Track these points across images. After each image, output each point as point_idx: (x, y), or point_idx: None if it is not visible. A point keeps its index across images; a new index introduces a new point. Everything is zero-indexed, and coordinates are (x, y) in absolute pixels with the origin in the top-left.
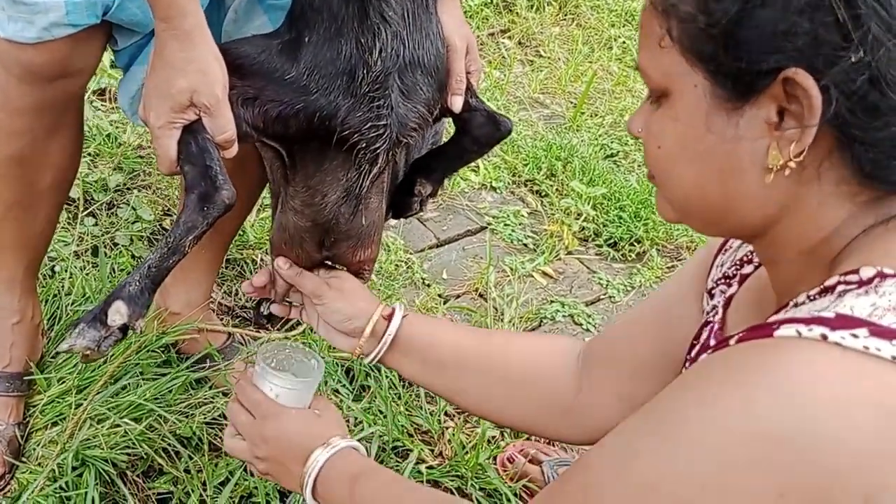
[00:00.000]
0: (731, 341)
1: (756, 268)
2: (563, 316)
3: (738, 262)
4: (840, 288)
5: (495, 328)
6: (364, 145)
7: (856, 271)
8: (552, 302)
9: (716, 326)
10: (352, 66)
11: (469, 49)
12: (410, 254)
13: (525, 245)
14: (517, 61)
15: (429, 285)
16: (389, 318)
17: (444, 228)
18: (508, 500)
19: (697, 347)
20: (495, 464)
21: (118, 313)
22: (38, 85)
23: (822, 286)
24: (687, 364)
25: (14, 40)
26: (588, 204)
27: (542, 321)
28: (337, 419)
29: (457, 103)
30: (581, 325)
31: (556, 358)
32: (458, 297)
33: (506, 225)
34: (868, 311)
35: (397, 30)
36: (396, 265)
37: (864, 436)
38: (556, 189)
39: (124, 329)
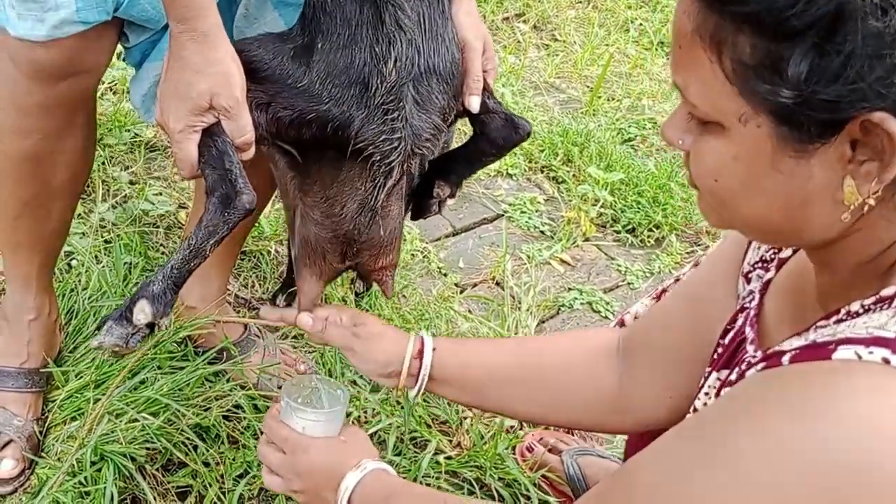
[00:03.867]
0: (784, 359)
1: (795, 251)
2: (581, 303)
3: (776, 247)
4: None
5: (513, 317)
6: (378, 158)
7: None
8: (570, 289)
9: (752, 313)
10: (365, 75)
11: (485, 48)
12: (426, 243)
13: (542, 232)
14: (532, 45)
15: (445, 274)
16: (420, 354)
17: (459, 217)
18: (527, 489)
19: (732, 334)
20: (514, 453)
21: (143, 312)
22: (50, 83)
23: (877, 296)
24: (719, 350)
25: (25, 38)
26: (605, 189)
27: (559, 309)
28: (365, 443)
29: (474, 103)
30: (599, 312)
31: (592, 356)
32: (475, 285)
33: (522, 212)
34: None
35: (412, 37)
36: (412, 255)
37: None
38: (573, 175)
39: (151, 326)
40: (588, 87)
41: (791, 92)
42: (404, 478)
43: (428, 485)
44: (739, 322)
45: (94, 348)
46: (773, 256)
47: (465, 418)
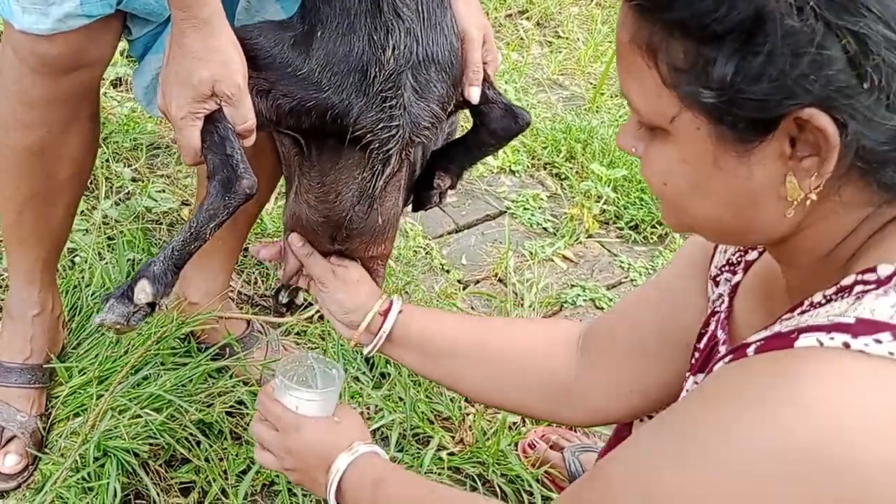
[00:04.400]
0: (749, 350)
1: (761, 253)
2: (584, 300)
3: (742, 249)
4: (858, 288)
5: (515, 313)
6: (377, 146)
7: (873, 269)
8: (573, 286)
9: (723, 316)
10: (364, 63)
11: (486, 39)
12: (429, 239)
13: (545, 229)
14: (535, 42)
15: (448, 271)
16: (386, 314)
17: (462, 213)
18: (530, 486)
19: (706, 338)
20: (516, 450)
21: (143, 291)
22: (54, 76)
23: (838, 285)
24: (696, 354)
25: (29, 32)
26: (608, 186)
27: (562, 306)
28: (358, 425)
29: (474, 94)
30: (602, 309)
31: (553, 342)
32: (478, 282)
33: (525, 209)
34: (889, 312)
35: (411, 26)
36: (415, 251)
37: (894, 448)
38: (576, 172)
39: (152, 305)
40: (591, 83)
41: (716, 92)
42: None
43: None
44: (712, 326)
45: (96, 325)
46: (739, 259)
47: (468, 414)
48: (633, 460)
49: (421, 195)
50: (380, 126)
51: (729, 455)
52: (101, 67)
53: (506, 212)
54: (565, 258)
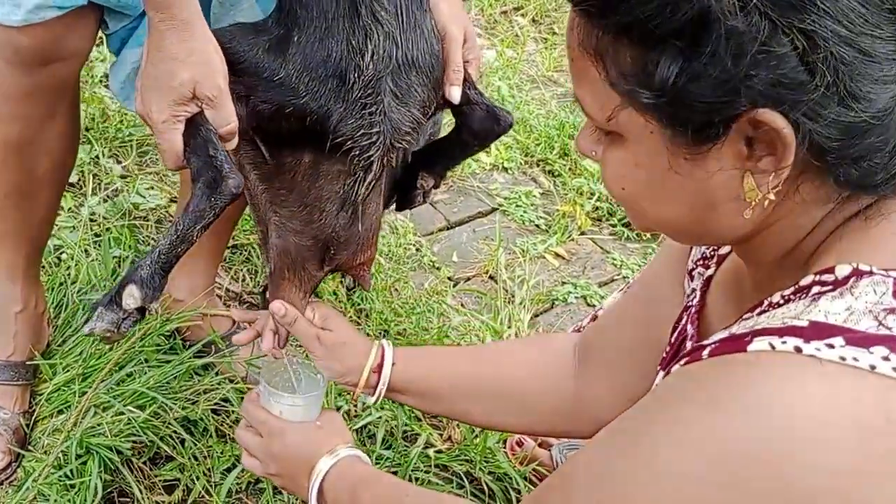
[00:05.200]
0: (704, 353)
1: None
2: (576, 297)
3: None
4: (815, 289)
5: (506, 310)
6: (358, 153)
7: (831, 270)
8: (564, 283)
9: (693, 310)
10: (342, 69)
11: (467, 38)
12: (420, 237)
13: (537, 226)
14: (530, 39)
15: (438, 268)
16: (380, 368)
17: (454, 210)
18: (518, 483)
19: (676, 332)
20: (505, 447)
21: (131, 297)
22: (30, 69)
23: (796, 285)
24: (667, 349)
25: (2, 24)
26: (601, 183)
27: (553, 303)
28: (340, 428)
29: (455, 94)
30: (594, 306)
31: (549, 362)
32: (468, 279)
33: (517, 206)
34: (843, 316)
35: (390, 30)
36: (405, 248)
37: (843, 455)
38: (569, 168)
39: (141, 311)
40: None
41: (656, 93)
42: (394, 472)
43: (417, 479)
44: (683, 321)
45: (85, 335)
46: (712, 253)
47: None
48: (592, 460)
49: (404, 195)
50: (360, 133)
51: (675, 457)
52: (79, 61)
53: (498, 209)
54: (557, 255)
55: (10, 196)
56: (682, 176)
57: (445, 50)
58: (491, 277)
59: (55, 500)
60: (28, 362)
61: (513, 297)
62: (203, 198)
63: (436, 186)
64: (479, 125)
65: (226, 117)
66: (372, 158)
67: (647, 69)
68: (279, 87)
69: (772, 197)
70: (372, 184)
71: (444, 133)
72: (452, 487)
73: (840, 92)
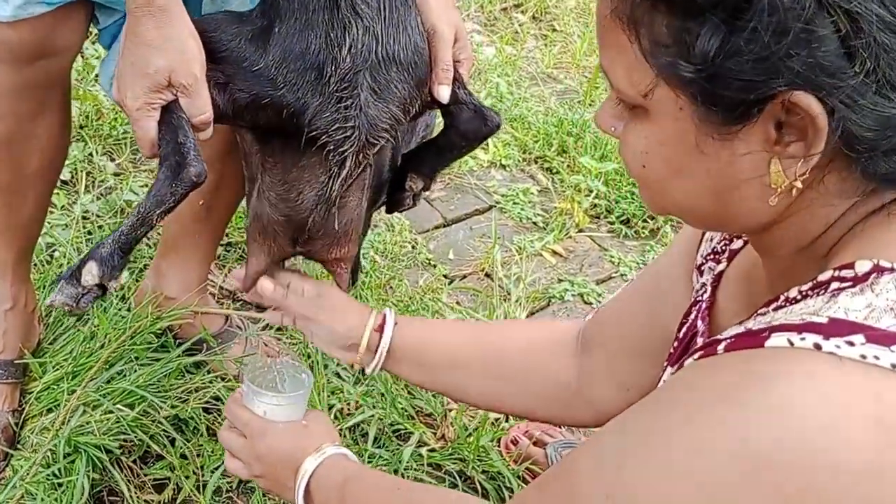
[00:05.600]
0: (720, 347)
1: (746, 243)
2: (573, 295)
3: (727, 238)
4: (834, 285)
5: (501, 308)
6: (332, 147)
7: (851, 265)
8: (561, 281)
9: (704, 306)
10: (320, 61)
11: (458, 37)
12: (416, 234)
13: (535, 223)
14: (530, 36)
15: (434, 265)
16: (381, 329)
17: (451, 208)
18: (511, 482)
19: (685, 328)
20: (498, 446)
21: (90, 273)
22: (20, 65)
23: (814, 281)
24: (675, 345)
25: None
26: (599, 180)
27: (550, 301)
28: (326, 427)
29: (443, 93)
30: (591, 304)
31: (552, 347)
32: (464, 277)
33: (515, 203)
34: (864, 313)
35: (370, 24)
36: (401, 246)
37: (863, 455)
38: (567, 165)
39: (102, 287)
40: (586, 77)
41: (696, 67)
42: (384, 471)
43: (410, 478)
44: (692, 316)
45: (47, 306)
46: (724, 248)
47: (450, 410)
48: (598, 456)
49: (394, 197)
50: (335, 127)
51: (691, 453)
52: (69, 56)
53: (495, 206)
54: (555, 253)
55: (1, 194)
56: (708, 156)
57: (434, 48)
58: (487, 275)
59: (42, 499)
60: (17, 361)
61: (508, 294)
62: (165, 183)
63: (426, 189)
64: (467, 125)
65: (200, 106)
66: (346, 153)
67: (686, 41)
68: (258, 77)
69: (798, 185)
70: (346, 179)
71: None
72: (445, 486)
73: (879, 80)
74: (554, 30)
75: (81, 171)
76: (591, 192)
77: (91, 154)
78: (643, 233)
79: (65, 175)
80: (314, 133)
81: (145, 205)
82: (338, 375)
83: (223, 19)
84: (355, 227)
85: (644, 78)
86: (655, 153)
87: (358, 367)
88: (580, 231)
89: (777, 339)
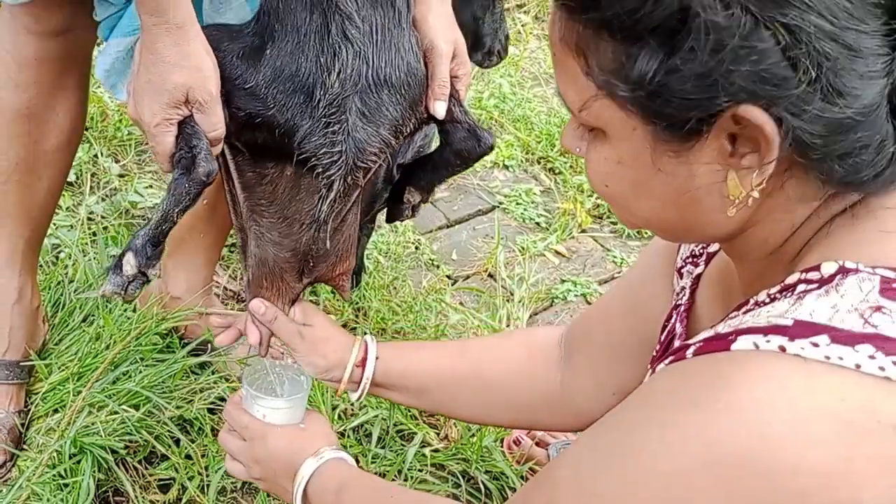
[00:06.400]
0: (689, 352)
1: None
2: (575, 295)
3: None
4: (801, 287)
5: (505, 309)
6: (320, 170)
7: (817, 268)
8: (564, 281)
9: (682, 309)
10: (310, 85)
11: (456, 53)
12: (419, 235)
13: (538, 224)
14: (533, 36)
15: (437, 266)
16: (363, 363)
17: (454, 208)
18: (514, 482)
19: (666, 331)
20: (501, 446)
21: (129, 263)
22: (46, 37)
23: (783, 283)
24: (657, 348)
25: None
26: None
27: (553, 301)
28: (325, 430)
29: (439, 109)
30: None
31: (533, 355)
32: (468, 277)
33: (518, 203)
34: (829, 314)
35: (360, 48)
36: (405, 246)
37: (828, 455)
38: (570, 166)
39: (143, 275)
40: None
41: (632, 87)
42: (388, 471)
43: (413, 478)
44: (673, 319)
45: (98, 296)
46: (702, 251)
47: None
48: (575, 464)
49: (392, 208)
50: (322, 151)
51: (662, 457)
52: (86, 34)
53: (498, 206)
54: (557, 253)
55: (16, 171)
56: (666, 173)
57: (432, 64)
58: (490, 276)
59: (48, 500)
60: (23, 362)
61: (512, 295)
62: (180, 182)
63: (423, 201)
64: (460, 144)
65: (214, 123)
66: (333, 177)
67: (625, 64)
68: (250, 96)
69: (755, 195)
70: (336, 202)
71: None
72: (448, 487)
73: (824, 88)
74: None
75: (86, 173)
76: (593, 192)
77: (96, 156)
78: (645, 233)
79: (70, 176)
80: (304, 156)
81: (167, 203)
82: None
83: (215, 35)
84: (353, 240)
85: (598, 100)
86: (615, 173)
87: (341, 395)
88: (583, 231)
89: (743, 342)
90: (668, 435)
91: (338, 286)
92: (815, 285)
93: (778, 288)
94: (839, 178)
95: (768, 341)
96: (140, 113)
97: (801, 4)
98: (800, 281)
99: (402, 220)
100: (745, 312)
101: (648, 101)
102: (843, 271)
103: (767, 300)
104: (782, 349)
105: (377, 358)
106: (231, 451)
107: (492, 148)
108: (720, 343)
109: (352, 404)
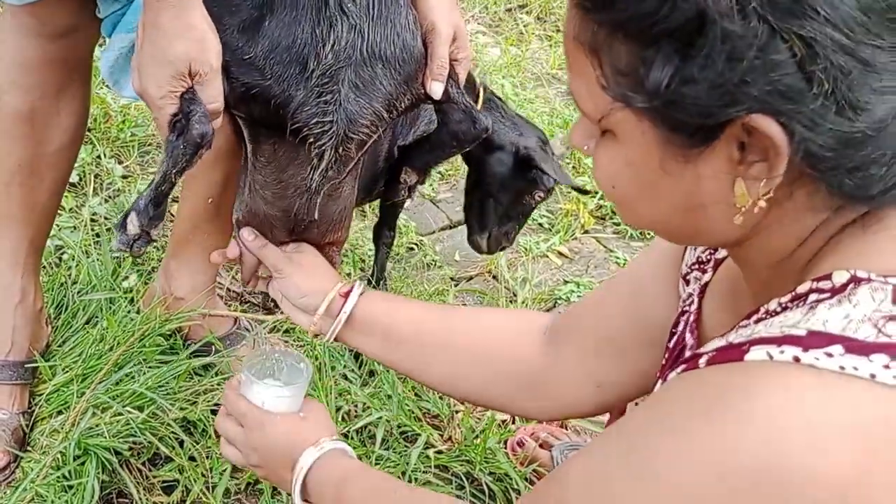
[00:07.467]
0: (701, 361)
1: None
2: (578, 296)
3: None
4: (813, 297)
5: (508, 308)
6: (312, 140)
7: (828, 277)
8: (567, 282)
9: (691, 317)
10: (304, 56)
11: (457, 36)
12: (422, 236)
13: (540, 225)
14: (535, 36)
15: (440, 267)
16: (346, 295)
17: (457, 209)
18: (518, 484)
19: (674, 339)
20: (505, 448)
21: (132, 223)
22: (49, 39)
23: (793, 293)
24: (666, 356)
25: (12, 4)
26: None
27: (556, 302)
28: (324, 421)
29: (436, 89)
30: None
31: (520, 332)
32: (471, 278)
33: None
34: (842, 324)
35: (356, 22)
36: (408, 247)
37: (843, 465)
38: (573, 166)
39: (147, 234)
40: None
41: (649, 97)
42: (391, 473)
43: (417, 479)
44: (681, 327)
45: (111, 251)
46: (709, 258)
47: (457, 412)
48: (588, 468)
49: (389, 187)
50: (314, 121)
51: (675, 468)
52: (89, 35)
53: None
54: (560, 254)
55: (19, 172)
56: (673, 177)
57: (432, 45)
58: (493, 277)
59: (53, 501)
60: (27, 364)
61: (515, 296)
62: (176, 145)
63: (420, 182)
64: (457, 125)
65: (213, 96)
66: (324, 147)
67: (640, 70)
68: (248, 67)
69: (762, 204)
70: (327, 171)
71: None
72: (452, 488)
73: (838, 102)
74: (558, 30)
75: (89, 174)
76: (596, 193)
77: (99, 157)
78: (649, 234)
79: (73, 178)
80: (296, 126)
81: (165, 165)
82: (345, 377)
83: (218, 10)
84: (347, 214)
85: (606, 104)
86: (623, 174)
87: (314, 332)
88: (586, 232)
89: (757, 353)
90: (678, 444)
91: (327, 255)
92: (827, 294)
93: (789, 297)
94: (848, 192)
95: (782, 352)
96: (145, 86)
97: (819, 17)
98: (811, 290)
99: (398, 201)
100: (756, 321)
101: (662, 109)
102: (855, 280)
103: (778, 309)
104: (796, 359)
105: (362, 293)
106: (228, 437)
107: (487, 130)
108: (734, 353)
109: (355, 406)
